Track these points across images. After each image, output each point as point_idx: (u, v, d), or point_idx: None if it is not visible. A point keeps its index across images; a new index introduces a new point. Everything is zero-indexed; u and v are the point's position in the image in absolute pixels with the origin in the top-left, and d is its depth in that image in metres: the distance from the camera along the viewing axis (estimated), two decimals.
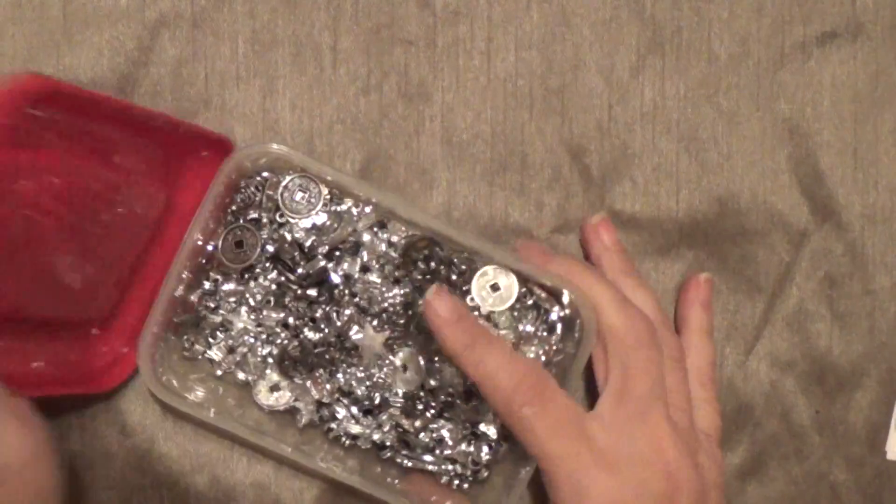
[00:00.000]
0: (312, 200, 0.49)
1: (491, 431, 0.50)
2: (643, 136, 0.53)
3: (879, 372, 0.54)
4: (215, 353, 0.50)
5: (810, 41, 0.53)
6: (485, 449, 0.50)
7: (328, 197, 0.49)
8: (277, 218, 0.49)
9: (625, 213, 0.53)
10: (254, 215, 0.49)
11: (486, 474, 0.50)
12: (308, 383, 0.49)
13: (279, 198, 0.49)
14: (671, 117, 0.53)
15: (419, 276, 0.49)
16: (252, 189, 0.49)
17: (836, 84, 0.53)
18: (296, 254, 0.49)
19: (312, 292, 0.49)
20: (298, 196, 0.49)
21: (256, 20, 0.51)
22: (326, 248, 0.49)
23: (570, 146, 0.52)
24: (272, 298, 0.49)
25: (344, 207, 0.49)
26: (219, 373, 0.50)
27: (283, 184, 0.49)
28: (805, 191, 0.53)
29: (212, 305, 0.50)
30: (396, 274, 0.49)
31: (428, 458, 0.50)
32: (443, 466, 0.50)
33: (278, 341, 0.49)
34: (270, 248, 0.49)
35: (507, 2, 0.52)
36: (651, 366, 0.46)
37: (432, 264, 0.49)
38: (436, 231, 0.48)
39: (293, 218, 0.49)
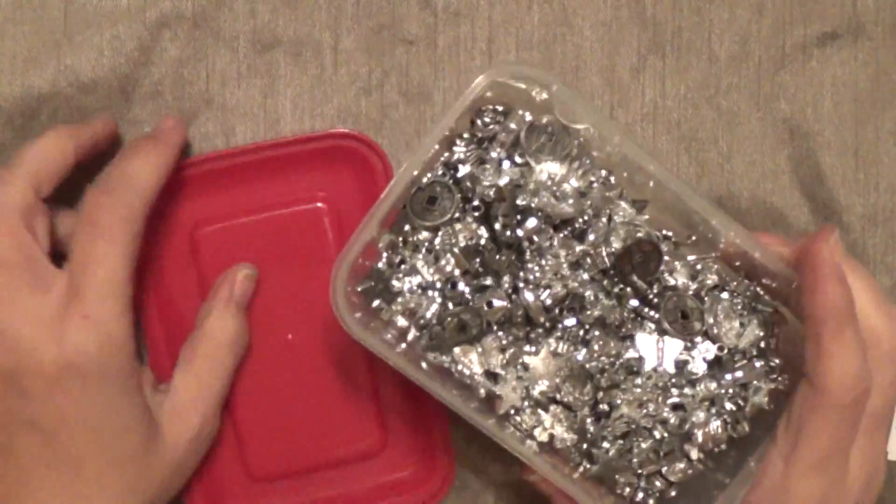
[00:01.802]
0: (558, 150, 0.43)
1: (692, 452, 0.44)
2: (644, 136, 0.53)
3: None
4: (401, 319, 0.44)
5: (811, 41, 0.53)
6: (679, 466, 0.44)
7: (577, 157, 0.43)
8: (517, 157, 0.43)
9: None
10: (487, 152, 0.43)
11: (673, 494, 0.45)
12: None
13: (522, 136, 0.43)
14: (671, 117, 0.53)
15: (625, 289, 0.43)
16: (485, 121, 0.43)
17: (837, 84, 0.53)
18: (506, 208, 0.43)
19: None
20: (543, 139, 0.43)
21: (257, 20, 0.51)
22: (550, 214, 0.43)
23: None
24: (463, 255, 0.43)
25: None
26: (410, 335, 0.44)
27: (530, 122, 0.43)
28: (805, 191, 0.53)
29: (398, 260, 0.44)
30: (604, 283, 0.43)
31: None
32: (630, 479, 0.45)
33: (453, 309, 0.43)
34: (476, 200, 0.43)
35: (507, 2, 0.52)
36: None
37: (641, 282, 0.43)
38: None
39: (534, 160, 0.42)
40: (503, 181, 0.43)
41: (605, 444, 0.44)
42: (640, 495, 0.44)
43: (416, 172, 0.43)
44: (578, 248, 0.43)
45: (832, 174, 0.53)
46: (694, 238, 0.44)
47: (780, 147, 0.53)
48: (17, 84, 0.51)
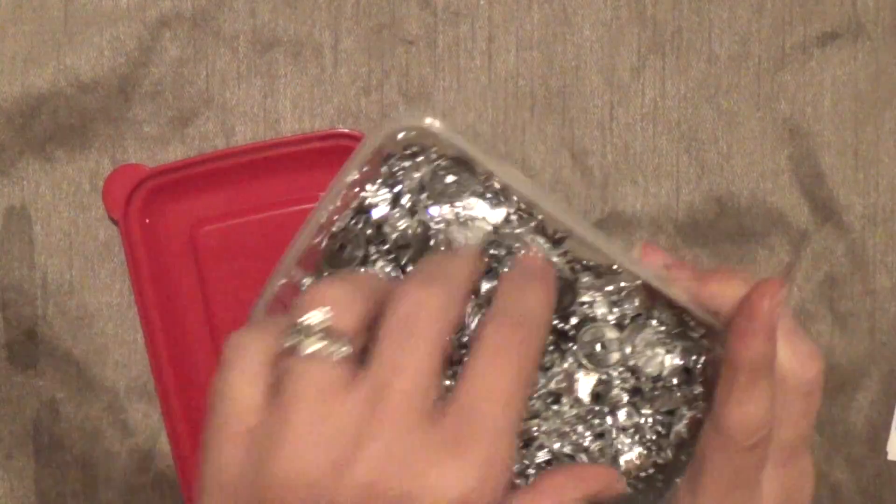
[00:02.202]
0: (464, 191, 0.42)
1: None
2: (644, 136, 0.53)
3: (880, 372, 0.54)
4: None
5: (811, 41, 0.53)
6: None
7: (490, 193, 0.43)
8: (423, 199, 0.43)
9: (625, 214, 0.53)
10: (386, 196, 0.43)
11: (669, 455, 0.44)
12: None
13: (425, 178, 0.42)
14: (671, 117, 0.53)
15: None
16: (391, 167, 0.43)
17: (837, 84, 0.53)
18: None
19: None
20: (449, 179, 0.43)
21: (257, 19, 0.51)
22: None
23: (571, 146, 0.52)
24: None
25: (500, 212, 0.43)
26: None
27: (435, 162, 0.42)
28: (805, 191, 0.53)
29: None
30: None
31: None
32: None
33: None
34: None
35: (508, 2, 0.52)
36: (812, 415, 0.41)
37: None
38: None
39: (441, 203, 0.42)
40: (413, 224, 0.43)
41: (531, 472, 0.43)
42: None
43: (324, 219, 0.42)
44: (487, 286, 0.43)
45: (832, 174, 0.53)
46: (616, 266, 0.44)
47: (780, 147, 0.53)
48: (17, 84, 0.51)
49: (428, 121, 0.41)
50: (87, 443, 0.52)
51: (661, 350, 0.44)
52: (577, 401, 0.44)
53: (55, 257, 0.51)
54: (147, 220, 0.50)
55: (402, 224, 0.43)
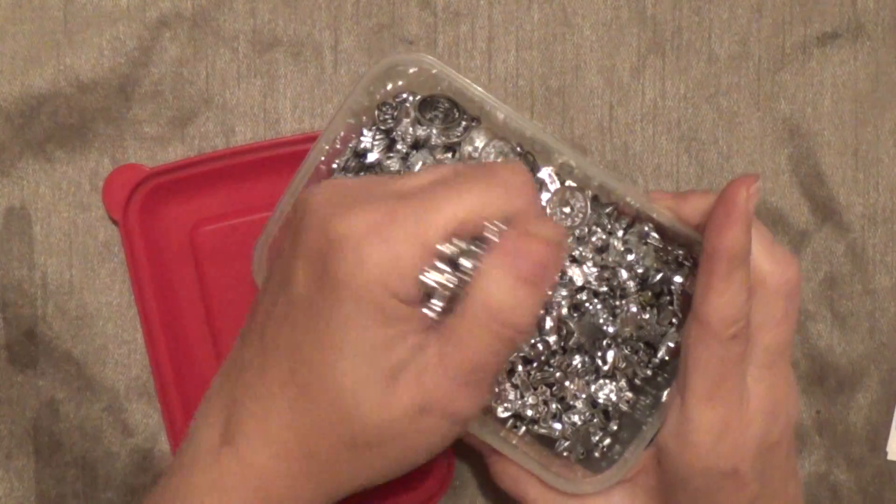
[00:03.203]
0: (453, 126, 0.46)
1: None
2: (644, 136, 0.53)
3: (880, 372, 0.54)
4: None
5: (811, 41, 0.53)
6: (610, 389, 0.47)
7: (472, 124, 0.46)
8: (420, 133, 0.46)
9: None
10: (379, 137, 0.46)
11: (614, 428, 0.47)
12: None
13: (415, 113, 0.46)
14: (671, 117, 0.53)
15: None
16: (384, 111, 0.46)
17: (837, 84, 0.53)
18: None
19: None
20: (440, 115, 0.46)
21: (257, 19, 0.51)
22: None
23: (571, 146, 0.52)
24: None
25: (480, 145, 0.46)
26: None
27: (419, 99, 0.46)
28: (805, 191, 0.53)
29: None
30: None
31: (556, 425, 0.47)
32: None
33: None
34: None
35: (508, 2, 0.52)
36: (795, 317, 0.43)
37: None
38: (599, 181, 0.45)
39: (430, 129, 0.46)
40: (403, 169, 0.46)
41: (530, 400, 0.47)
42: (582, 451, 0.47)
43: (322, 158, 0.45)
44: None
45: (832, 174, 0.53)
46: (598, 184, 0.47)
47: (780, 147, 0.53)
48: (17, 84, 0.51)
49: (428, 58, 0.44)
50: (87, 443, 0.52)
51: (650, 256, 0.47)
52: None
53: (55, 257, 0.51)
54: (147, 220, 0.50)
55: (394, 168, 0.46)
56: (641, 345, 0.47)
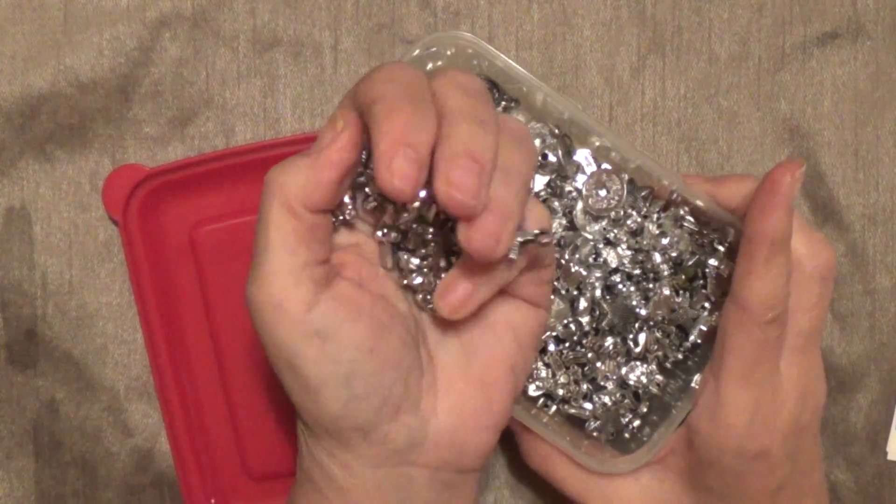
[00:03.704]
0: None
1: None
2: (644, 136, 0.53)
3: (880, 372, 0.54)
4: None
5: (811, 41, 0.53)
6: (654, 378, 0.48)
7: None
8: None
9: None
10: None
11: (644, 410, 0.48)
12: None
13: None
14: (671, 117, 0.53)
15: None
16: None
17: (837, 84, 0.53)
18: None
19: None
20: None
21: (257, 19, 0.51)
22: None
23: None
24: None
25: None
26: None
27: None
28: (805, 191, 0.53)
29: None
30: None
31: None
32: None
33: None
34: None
35: (507, 2, 0.52)
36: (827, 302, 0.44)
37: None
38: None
39: None
40: None
41: (562, 379, 0.47)
42: (612, 431, 0.48)
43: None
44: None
45: (832, 174, 0.53)
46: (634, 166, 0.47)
47: (780, 147, 0.53)
48: (17, 84, 0.51)
49: (468, 36, 0.45)
50: (87, 443, 0.52)
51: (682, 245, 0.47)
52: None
53: (55, 257, 0.51)
54: (147, 220, 0.50)
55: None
56: (673, 328, 0.47)
